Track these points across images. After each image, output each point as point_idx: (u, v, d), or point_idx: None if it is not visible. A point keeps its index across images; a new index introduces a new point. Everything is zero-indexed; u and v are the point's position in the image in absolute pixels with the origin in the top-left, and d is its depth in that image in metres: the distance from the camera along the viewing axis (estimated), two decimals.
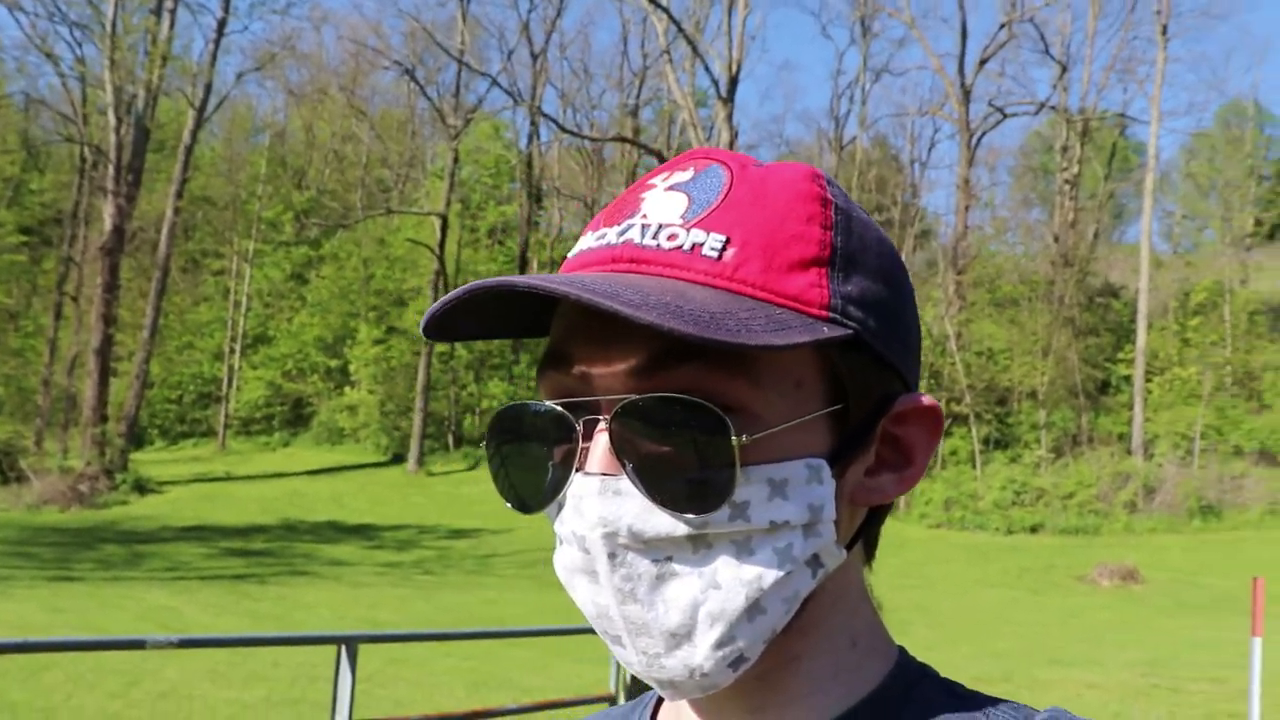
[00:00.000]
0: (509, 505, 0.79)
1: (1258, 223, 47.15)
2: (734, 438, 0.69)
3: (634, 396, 0.70)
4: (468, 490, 37.35)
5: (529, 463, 0.77)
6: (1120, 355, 41.35)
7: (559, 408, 0.74)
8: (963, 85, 42.76)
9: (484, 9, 69.74)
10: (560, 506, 0.74)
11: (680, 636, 0.70)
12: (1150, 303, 40.51)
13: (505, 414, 0.79)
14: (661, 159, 31.57)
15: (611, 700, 6.67)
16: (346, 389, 45.05)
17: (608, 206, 0.80)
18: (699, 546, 0.70)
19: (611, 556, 0.70)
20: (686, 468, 0.70)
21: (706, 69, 34.85)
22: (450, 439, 43.86)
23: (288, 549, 26.28)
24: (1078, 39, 47.00)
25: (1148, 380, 38.43)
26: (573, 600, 0.76)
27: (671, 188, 0.77)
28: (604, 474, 0.70)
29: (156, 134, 40.69)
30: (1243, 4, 54.81)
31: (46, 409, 42.44)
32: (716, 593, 0.69)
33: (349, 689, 5.43)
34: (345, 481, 38.32)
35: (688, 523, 0.69)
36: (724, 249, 0.72)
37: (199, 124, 39.25)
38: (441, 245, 41.61)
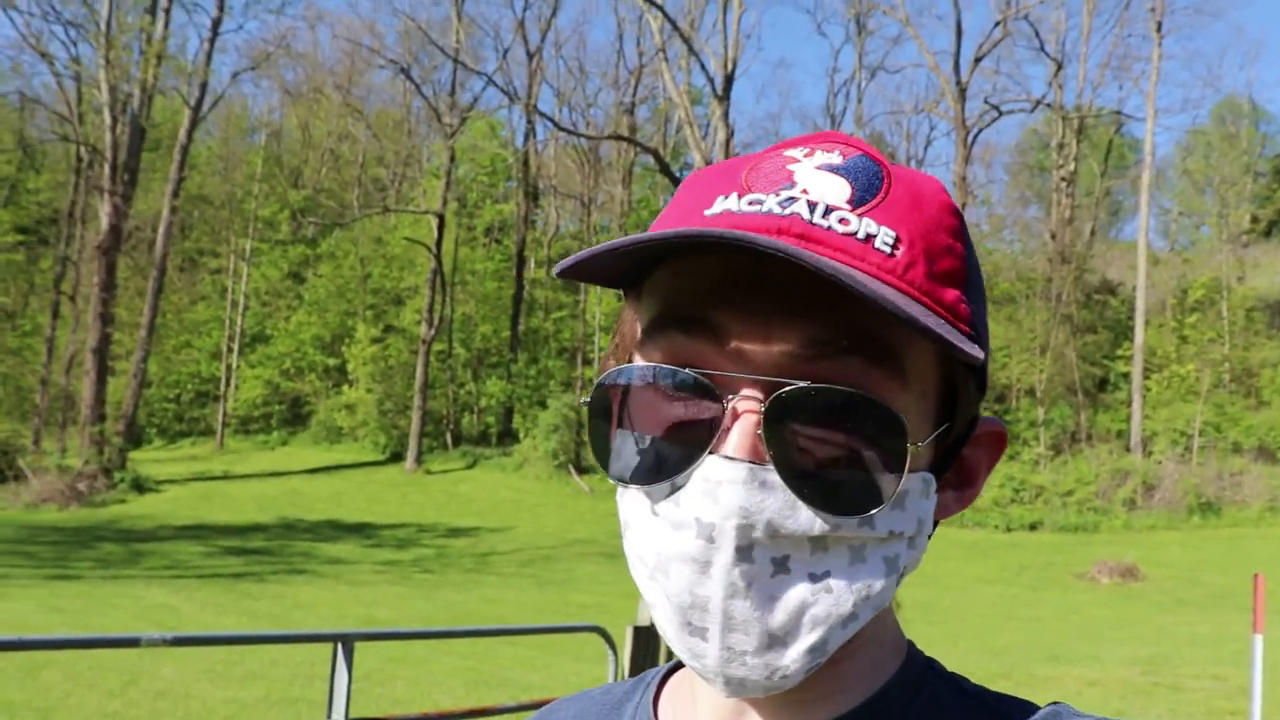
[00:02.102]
0: (607, 475, 0.73)
1: (1254, 219, 47.15)
2: (910, 444, 0.67)
3: (804, 384, 0.65)
4: (466, 489, 37.33)
5: (638, 433, 0.71)
6: (1118, 352, 41.39)
7: (703, 377, 0.68)
8: (958, 82, 42.75)
9: (479, 8, 69.94)
10: (675, 487, 0.68)
11: (777, 638, 0.66)
12: (1148, 300, 40.54)
13: (623, 373, 0.73)
14: (658, 157, 31.57)
15: None
16: (344, 388, 45.04)
17: (735, 168, 0.74)
18: (817, 548, 0.67)
19: (740, 550, 0.65)
20: (845, 467, 0.66)
21: (702, 67, 34.84)
22: (448, 437, 43.84)
23: (286, 548, 26.25)
24: (1073, 36, 47.14)
25: (1146, 377, 38.46)
26: (651, 584, 0.71)
27: (824, 167, 0.72)
28: (751, 461, 0.66)
29: (152, 133, 40.70)
30: (1237, 1, 54.74)
31: (44, 408, 42.41)
32: (827, 597, 0.67)
33: (345, 687, 5.40)
34: (343, 480, 38.29)
35: (828, 523, 0.66)
36: (895, 246, 0.68)
37: (194, 123, 39.20)
38: (438, 244, 41.59)
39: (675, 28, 31.40)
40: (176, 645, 4.95)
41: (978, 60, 43.31)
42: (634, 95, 49.94)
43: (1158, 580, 25.25)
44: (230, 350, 49.04)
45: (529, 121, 48.01)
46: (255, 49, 43.93)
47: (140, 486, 34.37)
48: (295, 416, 47.83)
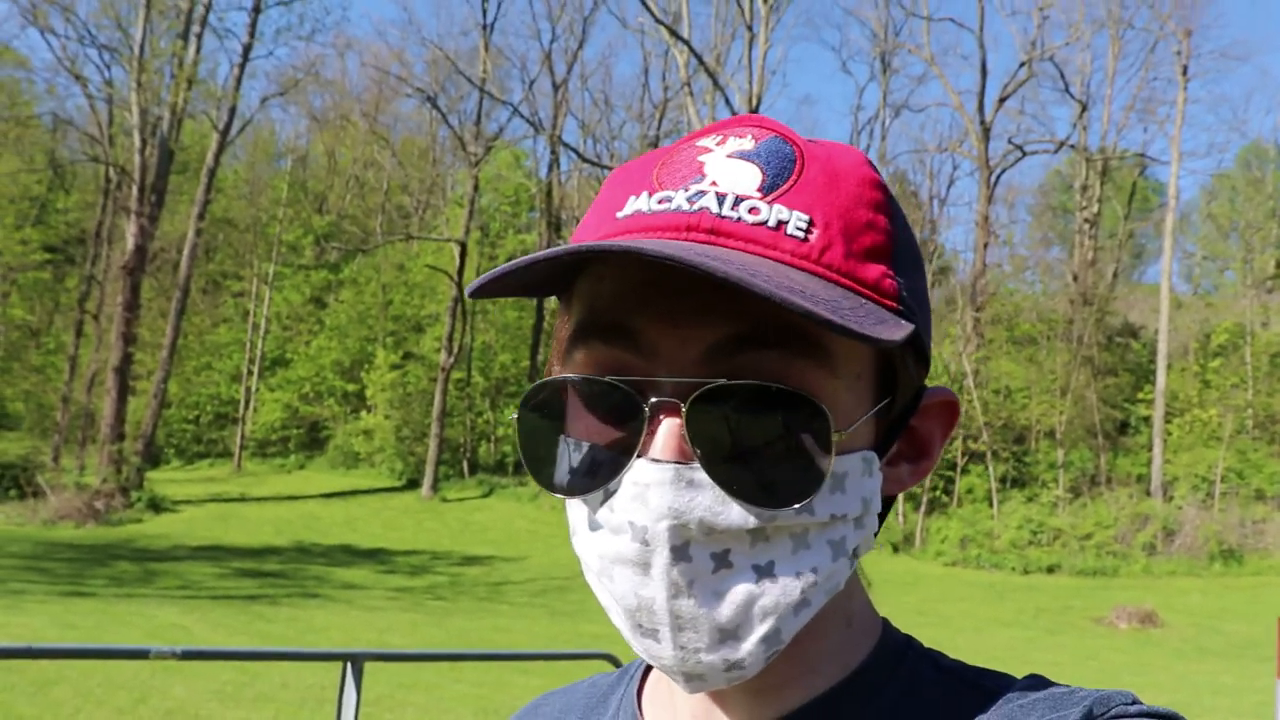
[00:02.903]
0: (540, 485, 0.74)
1: (1279, 265, 46.87)
2: (835, 432, 0.66)
3: (721, 381, 0.65)
4: (481, 517, 37.27)
5: (571, 442, 0.71)
6: (1139, 396, 41.07)
7: (622, 384, 0.68)
8: (982, 122, 42.81)
9: (506, 39, 70.61)
10: (608, 493, 0.68)
11: (728, 632, 0.66)
12: (1170, 343, 40.28)
13: (547, 386, 0.73)
14: None
15: None
16: (363, 413, 45.13)
17: (648, 164, 0.74)
18: (757, 540, 0.67)
19: (675, 549, 0.65)
20: (771, 459, 0.66)
21: (727, 101, 35.00)
22: (465, 465, 43.83)
23: (300, 571, 26.23)
24: (1098, 78, 47.09)
25: (1167, 421, 38.14)
26: (600, 589, 0.71)
27: (735, 155, 0.71)
28: (677, 462, 0.66)
29: (180, 156, 41.11)
30: (1263, 46, 54.74)
31: (65, 425, 42.63)
32: (774, 587, 0.67)
33: (354, 708, 5.36)
34: (359, 505, 38.29)
35: (760, 517, 0.66)
36: (809, 230, 0.68)
37: (222, 147, 39.61)
38: (460, 272, 41.76)
39: (701, 62, 31.61)
40: (186, 659, 4.93)
41: (1002, 100, 43.40)
42: (659, 128, 50.22)
43: (1178, 627, 24.90)
44: (250, 373, 49.27)
45: (553, 152, 48.34)
46: (284, 75, 44.40)
47: (157, 506, 34.45)
48: (313, 441, 47.94)
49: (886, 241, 0.71)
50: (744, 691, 0.74)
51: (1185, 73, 42.38)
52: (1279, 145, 50.07)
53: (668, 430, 0.66)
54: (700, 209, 0.68)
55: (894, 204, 0.74)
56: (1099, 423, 39.63)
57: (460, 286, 41.51)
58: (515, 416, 0.75)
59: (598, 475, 0.69)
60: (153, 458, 40.04)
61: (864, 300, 0.68)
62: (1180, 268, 52.07)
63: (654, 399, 0.67)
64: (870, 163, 0.75)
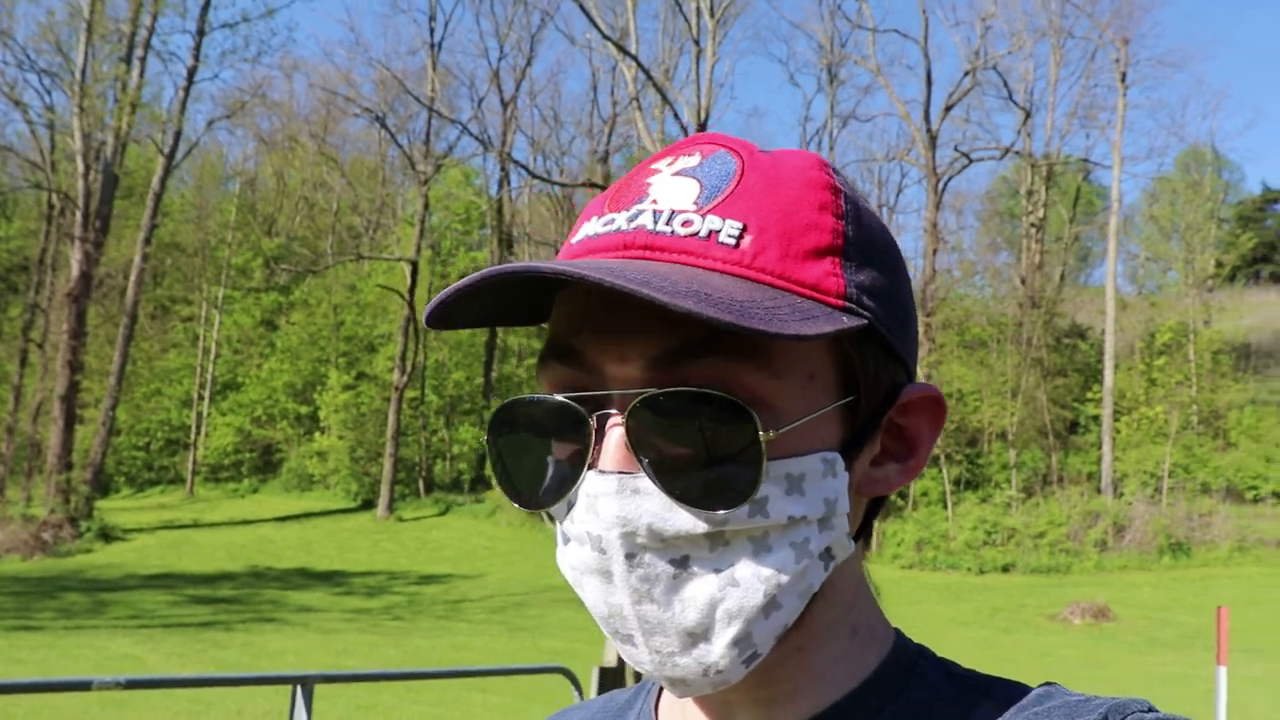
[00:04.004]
0: (513, 502, 0.77)
1: (1219, 264, 47.83)
2: (761, 433, 0.67)
3: (653, 390, 0.68)
4: (438, 535, 37.05)
5: (533, 459, 0.74)
6: (1088, 395, 41.70)
7: (569, 401, 0.71)
8: (928, 131, 43.35)
9: (454, 58, 70.49)
10: (570, 505, 0.71)
11: (697, 635, 0.68)
12: (1116, 343, 40.97)
13: (508, 407, 0.76)
14: None
15: None
16: (316, 435, 44.72)
17: (609, 190, 0.78)
18: (716, 544, 0.68)
19: (629, 556, 0.67)
20: (710, 464, 0.67)
21: (675, 116, 35.09)
22: (420, 484, 43.57)
23: (255, 596, 25.93)
24: (1040, 86, 47.95)
25: (1115, 420, 38.77)
26: (581, 599, 0.74)
27: (679, 173, 0.74)
28: (621, 472, 0.68)
29: (125, 180, 40.59)
30: (1197, 54, 56.15)
31: (10, 456, 41.81)
32: (735, 590, 0.68)
33: None
34: (314, 528, 37.92)
35: (708, 520, 0.67)
36: (741, 236, 0.70)
37: (168, 171, 39.19)
38: (412, 291, 41.58)
39: (649, 77, 31.68)
40: (130, 688, 4.89)
41: (948, 109, 43.98)
42: (608, 143, 50.38)
43: (1129, 621, 25.30)
44: (201, 398, 48.68)
45: (503, 169, 48.35)
46: (231, 98, 43.98)
47: (107, 535, 33.90)
48: (266, 464, 47.42)
49: (833, 240, 0.72)
50: (753, 701, 0.76)
51: (1124, 79, 43.24)
52: (1216, 149, 51.17)
53: (612, 441, 0.69)
54: (636, 227, 0.71)
55: (850, 203, 0.75)
56: (1049, 423, 40.19)
57: (413, 306, 41.35)
58: (485, 439, 0.79)
59: (560, 490, 0.72)
60: (102, 486, 39.42)
61: (798, 300, 0.69)
62: (1125, 269, 52.99)
63: (599, 412, 0.69)
64: (824, 165, 0.77)
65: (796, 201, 0.72)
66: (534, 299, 0.75)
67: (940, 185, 43.90)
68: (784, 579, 0.69)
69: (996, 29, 47.70)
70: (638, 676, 7.10)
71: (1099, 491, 36.75)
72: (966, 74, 43.72)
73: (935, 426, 0.80)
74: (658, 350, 0.68)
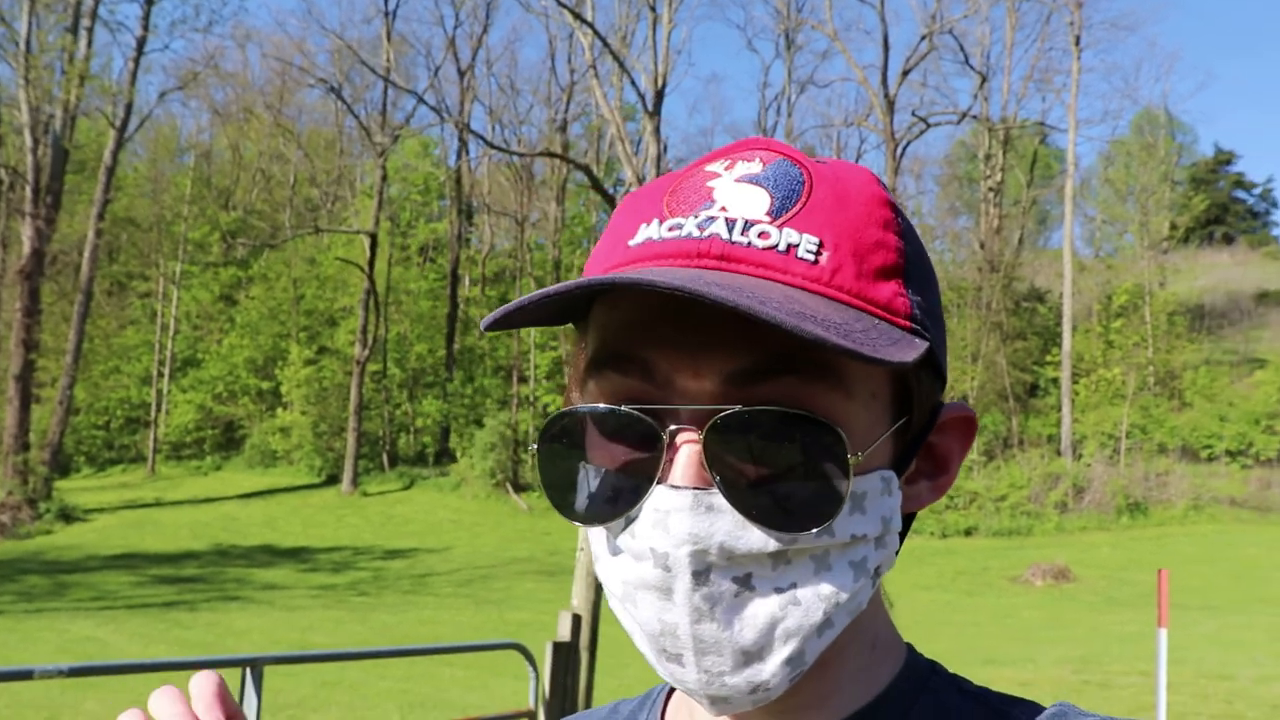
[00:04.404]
0: (561, 514, 0.74)
1: (1173, 226, 48.43)
2: (851, 455, 0.67)
3: (738, 408, 0.66)
4: (402, 510, 36.98)
5: (589, 470, 0.72)
6: (1047, 358, 42.22)
7: (643, 415, 0.69)
8: (886, 96, 43.43)
9: (410, 26, 69.62)
10: (629, 520, 0.69)
11: (752, 655, 0.67)
12: (1074, 306, 41.44)
13: (565, 416, 0.74)
14: (590, 173, 31.59)
15: (531, 715, 6.58)
16: (278, 410, 44.40)
17: (654, 189, 0.75)
18: (779, 562, 0.67)
19: (696, 575, 0.66)
20: (789, 483, 0.67)
21: (633, 83, 34.89)
22: (384, 459, 43.39)
23: (219, 574, 25.79)
24: (996, 50, 48.02)
25: (1074, 382, 39.28)
26: (624, 613, 0.72)
27: (742, 179, 0.72)
28: (695, 488, 0.66)
29: (76, 155, 39.86)
30: (1149, 17, 56.42)
31: None
32: (796, 609, 0.67)
33: (255, 714, 5.32)
34: (278, 504, 37.71)
35: (780, 540, 0.66)
36: (819, 252, 0.69)
37: (120, 144, 38.51)
38: (371, 264, 41.23)
39: (606, 45, 31.46)
40: (72, 676, 4.82)
41: (905, 74, 44.05)
42: (566, 112, 50.01)
43: (1089, 581, 25.74)
44: (161, 375, 48.09)
45: (461, 140, 47.86)
46: (183, 69, 43.21)
47: (68, 516, 33.53)
48: (229, 441, 47.02)
49: (898, 259, 0.72)
50: (767, 714, 0.75)
51: (1078, 43, 43.50)
52: (1169, 112, 51.60)
53: (686, 456, 0.67)
54: (711, 235, 0.69)
55: (904, 220, 0.75)
56: (1009, 386, 40.65)
57: (372, 279, 41.01)
58: (534, 448, 0.76)
59: (618, 503, 0.70)
60: (61, 466, 38.95)
61: (876, 321, 0.68)
62: (1082, 232, 53.48)
63: (672, 426, 0.68)
64: (879, 181, 0.76)
65: (865, 218, 0.71)
66: (570, 300, 0.72)
67: (899, 150, 44.05)
68: (843, 597, 0.69)
69: None
70: (591, 651, 7.11)
71: (1059, 454, 37.26)
72: (923, 38, 43.78)
73: (965, 445, 0.80)
74: (735, 367, 0.67)
